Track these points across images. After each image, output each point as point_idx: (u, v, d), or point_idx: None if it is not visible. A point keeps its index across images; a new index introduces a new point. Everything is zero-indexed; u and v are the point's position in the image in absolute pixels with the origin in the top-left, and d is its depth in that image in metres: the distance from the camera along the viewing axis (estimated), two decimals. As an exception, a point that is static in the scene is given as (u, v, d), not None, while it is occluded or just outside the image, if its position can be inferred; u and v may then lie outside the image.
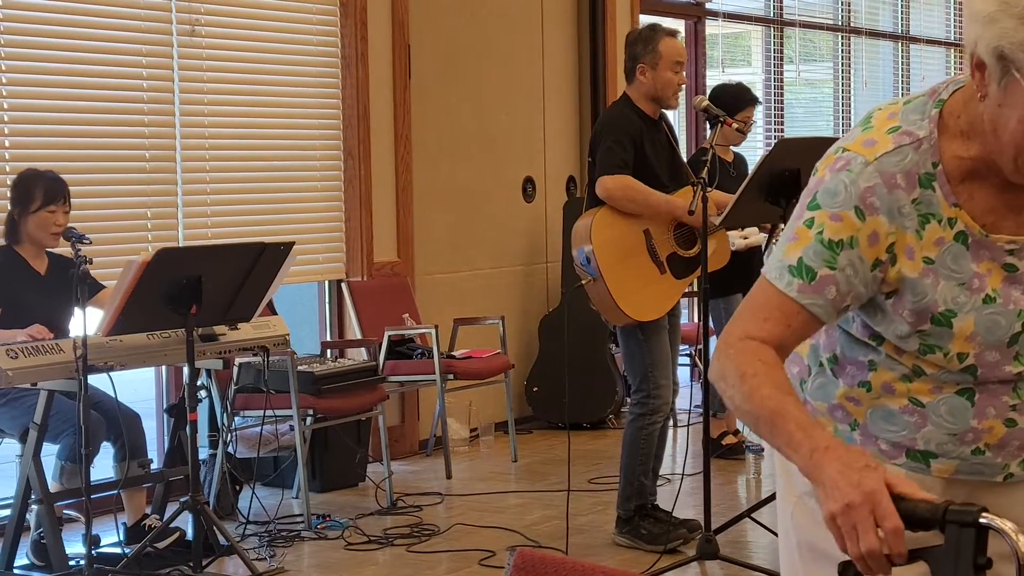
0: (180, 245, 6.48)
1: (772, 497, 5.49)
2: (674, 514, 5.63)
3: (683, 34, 6.19)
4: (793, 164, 5.26)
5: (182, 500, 5.15)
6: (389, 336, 7.09)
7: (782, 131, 10.73)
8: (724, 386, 2.10)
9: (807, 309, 2.08)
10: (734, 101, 6.95)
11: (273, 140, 7.11)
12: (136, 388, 6.72)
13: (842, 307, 2.11)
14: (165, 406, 6.48)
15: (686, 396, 7.31)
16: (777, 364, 2.07)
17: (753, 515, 5.53)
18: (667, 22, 9.69)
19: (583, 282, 5.42)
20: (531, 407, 8.38)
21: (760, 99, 7.27)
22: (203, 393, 5.93)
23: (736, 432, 7.36)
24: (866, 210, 2.06)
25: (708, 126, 6.59)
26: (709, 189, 5.20)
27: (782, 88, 10.84)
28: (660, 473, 5.83)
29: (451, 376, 7.15)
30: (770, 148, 5.32)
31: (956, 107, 2.09)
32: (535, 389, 8.35)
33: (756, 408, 2.01)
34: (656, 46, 5.54)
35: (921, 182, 2.07)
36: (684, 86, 5.63)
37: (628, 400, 5.69)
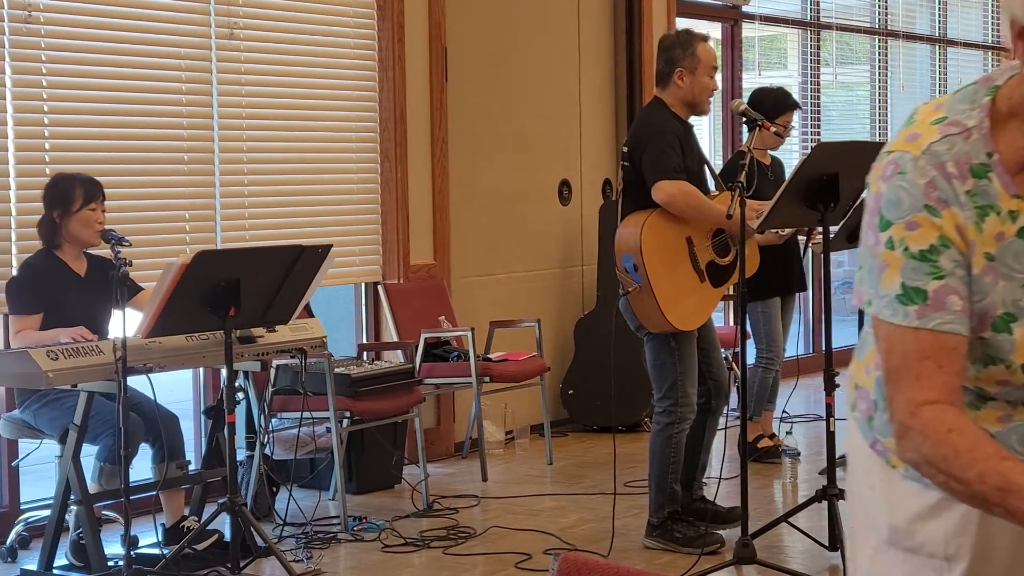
0: (218, 247, 6.51)
1: (809, 502, 5.50)
2: (717, 502, 5.68)
3: (717, 38, 6.19)
4: (832, 168, 5.25)
5: (220, 501, 5.16)
6: (425, 338, 7.10)
7: (818, 134, 10.69)
8: (930, 475, 1.91)
9: (941, 331, 1.89)
10: (775, 105, 6.94)
11: (310, 142, 7.13)
12: (172, 389, 6.74)
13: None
14: (203, 408, 6.52)
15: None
16: (964, 426, 1.88)
17: (790, 519, 5.51)
18: (704, 25, 9.72)
19: (629, 289, 5.40)
20: (566, 410, 8.38)
21: (800, 103, 7.25)
22: (240, 395, 5.94)
23: (772, 436, 7.34)
24: (937, 205, 1.90)
25: (745, 130, 6.58)
26: (747, 194, 5.18)
27: (818, 91, 10.81)
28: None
29: (487, 379, 7.16)
30: (808, 152, 5.30)
31: (1011, 92, 1.93)
32: (570, 392, 8.35)
33: (979, 492, 1.84)
34: (695, 51, 5.52)
35: (975, 172, 1.92)
36: (715, 91, 5.61)
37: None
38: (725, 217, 5.32)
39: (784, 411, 8.03)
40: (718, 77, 5.72)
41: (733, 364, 8.19)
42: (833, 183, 5.23)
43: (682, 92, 5.54)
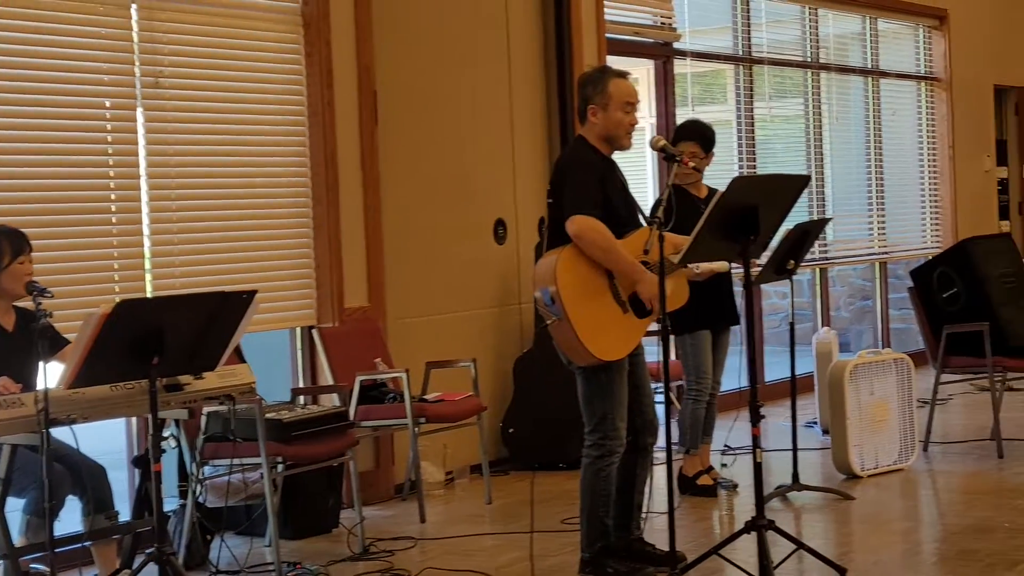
0: (148, 295, 6.49)
1: (742, 532, 5.51)
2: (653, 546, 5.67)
3: (646, 73, 6.22)
4: (751, 201, 5.30)
5: (148, 551, 5.13)
6: (360, 381, 7.10)
7: (755, 167, 10.77)
8: None
9: None
10: (675, 137, 7.09)
11: (241, 188, 7.13)
12: (103, 438, 6.69)
13: None
14: (132, 457, 6.48)
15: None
16: None
17: (722, 552, 5.52)
18: (635, 63, 9.79)
19: (548, 323, 5.43)
20: (507, 449, 8.37)
21: (708, 134, 7.23)
22: (172, 443, 5.91)
23: (710, 470, 7.35)
24: None
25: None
26: (665, 229, 5.22)
27: (753, 125, 10.89)
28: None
29: (423, 420, 7.15)
30: (725, 187, 5.34)
31: None
32: (511, 431, 8.35)
33: None
34: (606, 87, 5.56)
35: None
36: (635, 126, 5.64)
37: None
38: (634, 271, 5.37)
39: (726, 444, 8.08)
40: (647, 112, 5.76)
41: (672, 398, 8.22)
42: (752, 216, 5.28)
43: (597, 128, 5.59)
